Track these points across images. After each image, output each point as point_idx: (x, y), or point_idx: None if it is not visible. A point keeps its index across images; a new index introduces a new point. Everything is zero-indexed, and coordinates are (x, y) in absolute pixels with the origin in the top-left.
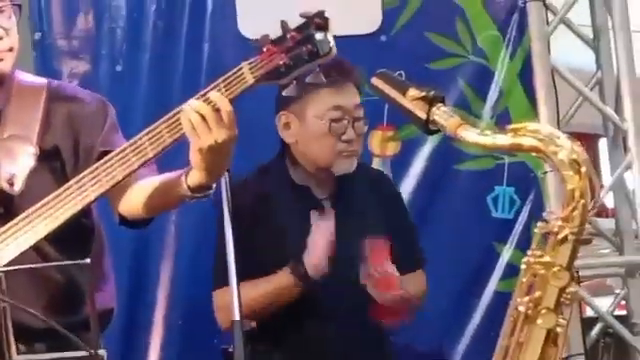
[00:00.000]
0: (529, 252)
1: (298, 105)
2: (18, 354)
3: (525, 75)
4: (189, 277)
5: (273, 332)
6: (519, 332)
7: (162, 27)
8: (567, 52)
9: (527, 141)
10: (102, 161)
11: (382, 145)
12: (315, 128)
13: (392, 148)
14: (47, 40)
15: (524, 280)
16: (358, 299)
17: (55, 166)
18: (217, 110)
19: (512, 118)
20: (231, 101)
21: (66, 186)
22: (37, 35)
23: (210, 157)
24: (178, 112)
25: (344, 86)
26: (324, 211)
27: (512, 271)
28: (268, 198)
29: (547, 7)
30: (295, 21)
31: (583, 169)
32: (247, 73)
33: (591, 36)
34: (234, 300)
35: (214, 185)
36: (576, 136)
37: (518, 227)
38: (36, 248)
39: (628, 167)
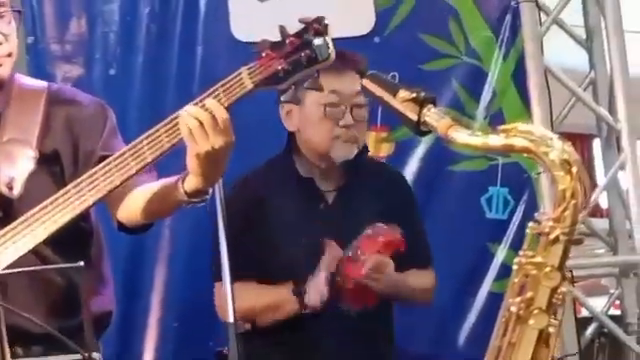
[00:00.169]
0: (521, 252)
1: (298, 92)
2: (15, 357)
3: (518, 76)
4: (184, 280)
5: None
6: (511, 333)
7: (155, 31)
8: (560, 53)
9: (518, 142)
10: (100, 165)
11: (376, 146)
12: (312, 113)
13: (386, 149)
14: (40, 44)
15: (516, 280)
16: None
17: (55, 170)
18: (214, 117)
19: (506, 119)
20: (229, 106)
21: (65, 190)
22: (30, 39)
23: (207, 163)
24: (176, 117)
25: (344, 72)
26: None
27: (506, 272)
28: (272, 191)
29: (540, 8)
30: (287, 24)
31: (574, 169)
32: (246, 78)
33: (584, 36)
34: (228, 302)
35: (210, 190)
36: (570, 136)
37: (512, 227)
38: (35, 252)
39: (622, 167)
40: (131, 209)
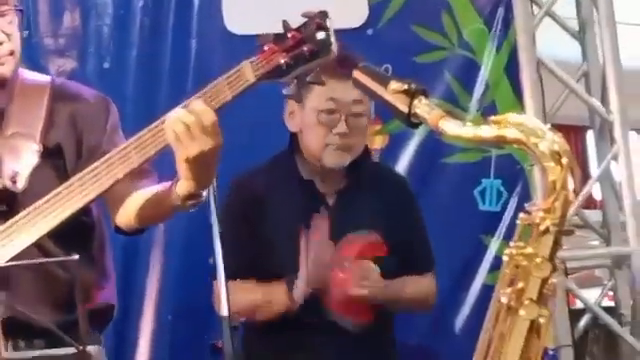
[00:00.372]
0: (512, 243)
1: (301, 87)
2: (18, 350)
3: (511, 68)
4: (179, 273)
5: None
6: (502, 323)
7: (149, 24)
8: (553, 45)
9: (509, 133)
10: (103, 159)
11: (369, 139)
12: (309, 118)
13: (379, 142)
14: (34, 38)
15: (507, 271)
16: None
17: (58, 164)
18: (201, 119)
19: (499, 111)
20: (234, 98)
21: (68, 183)
22: (24, 33)
23: (196, 166)
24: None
25: (343, 79)
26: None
27: (500, 264)
28: (273, 191)
29: (532, 0)
30: (281, 17)
31: (564, 160)
32: (248, 72)
33: (577, 28)
34: (222, 297)
35: (204, 194)
36: (563, 128)
37: (505, 220)
38: (38, 245)
39: (614, 158)
40: (128, 212)
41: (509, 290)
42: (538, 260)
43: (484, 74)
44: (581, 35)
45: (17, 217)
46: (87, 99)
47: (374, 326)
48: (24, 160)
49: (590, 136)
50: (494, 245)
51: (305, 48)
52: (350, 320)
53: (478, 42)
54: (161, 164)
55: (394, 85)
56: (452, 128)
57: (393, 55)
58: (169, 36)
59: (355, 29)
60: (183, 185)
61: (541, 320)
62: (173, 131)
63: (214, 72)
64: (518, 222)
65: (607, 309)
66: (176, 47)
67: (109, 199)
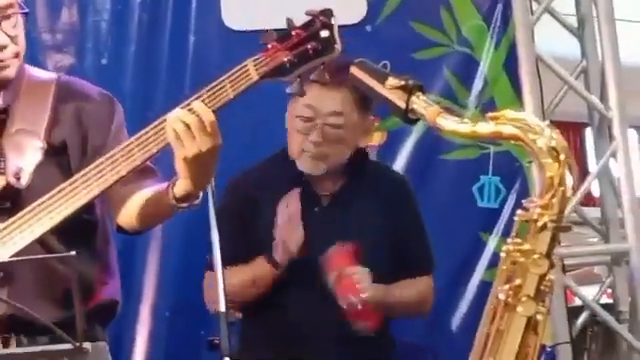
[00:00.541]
0: (509, 240)
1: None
2: (20, 346)
3: (510, 64)
4: (176, 269)
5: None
6: (499, 320)
7: (147, 20)
8: (552, 41)
9: (507, 129)
10: (107, 156)
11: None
12: (290, 122)
13: (378, 138)
14: (31, 34)
15: (504, 268)
16: None
17: (62, 161)
18: (201, 119)
19: (497, 107)
20: (235, 97)
21: (72, 180)
22: None
23: (195, 166)
24: (183, 106)
25: (327, 88)
26: (290, 196)
27: (498, 261)
28: (269, 190)
29: None
30: (278, 12)
31: (562, 156)
32: (252, 70)
33: (576, 25)
34: (220, 293)
35: (201, 194)
36: (561, 125)
37: (504, 216)
38: (41, 242)
39: (613, 155)
40: (129, 213)
41: (507, 287)
42: (535, 257)
43: (483, 70)
44: (580, 31)
45: (21, 213)
46: (93, 97)
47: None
48: (28, 157)
49: (589, 133)
50: (492, 242)
51: (309, 46)
52: (364, 325)
53: (477, 38)
54: (161, 164)
55: (392, 81)
56: (449, 124)
57: (392, 52)
58: (167, 32)
59: (353, 25)
60: (181, 184)
61: (538, 317)
62: (173, 130)
63: (212, 68)
64: (516, 218)
65: (605, 306)
66: (174, 43)
67: (111, 198)
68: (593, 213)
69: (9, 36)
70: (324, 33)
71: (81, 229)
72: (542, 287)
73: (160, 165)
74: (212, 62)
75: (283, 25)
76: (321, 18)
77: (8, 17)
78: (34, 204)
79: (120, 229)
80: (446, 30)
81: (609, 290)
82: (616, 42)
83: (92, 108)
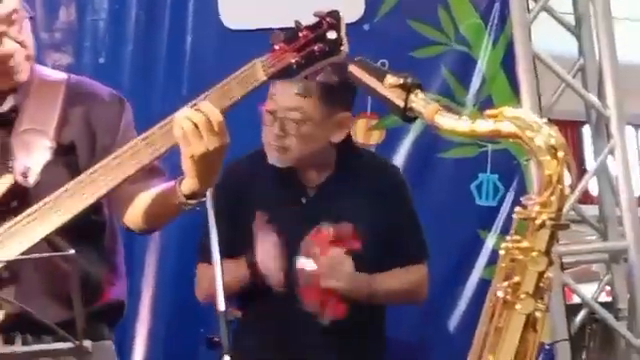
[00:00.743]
0: (508, 238)
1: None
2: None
3: (508, 63)
4: (175, 267)
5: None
6: (498, 317)
7: (144, 19)
8: (549, 39)
9: (505, 127)
10: (113, 155)
11: (366, 133)
12: (264, 114)
13: (376, 136)
14: None
15: (503, 265)
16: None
17: (71, 161)
18: (208, 119)
19: (495, 105)
20: (242, 98)
21: (78, 179)
22: None
23: (202, 165)
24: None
25: (295, 84)
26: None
27: (497, 258)
28: (256, 182)
29: None
30: (276, 12)
31: (560, 154)
32: (259, 70)
33: (573, 23)
34: (219, 292)
35: (207, 192)
36: (559, 123)
37: (502, 214)
38: (48, 241)
39: (611, 153)
40: (136, 212)
41: (505, 284)
42: (534, 254)
43: (480, 69)
44: (577, 30)
45: (28, 211)
46: (102, 98)
47: (355, 321)
48: (36, 156)
49: (586, 131)
50: (491, 239)
51: (316, 47)
52: (323, 313)
53: (474, 37)
54: (168, 164)
55: (390, 79)
56: (448, 122)
57: (389, 50)
58: (165, 31)
59: (351, 24)
60: (187, 183)
61: (537, 314)
62: (181, 128)
63: (209, 67)
64: (514, 216)
65: (604, 304)
66: (172, 42)
67: (119, 198)
68: (591, 211)
69: (17, 41)
70: (331, 35)
71: (89, 229)
72: (541, 285)
73: (167, 165)
74: (209, 61)
75: (280, 24)
76: (328, 19)
77: (13, 23)
78: (41, 202)
79: (127, 228)
80: (444, 29)
81: (607, 288)
82: (613, 40)
83: (101, 109)
